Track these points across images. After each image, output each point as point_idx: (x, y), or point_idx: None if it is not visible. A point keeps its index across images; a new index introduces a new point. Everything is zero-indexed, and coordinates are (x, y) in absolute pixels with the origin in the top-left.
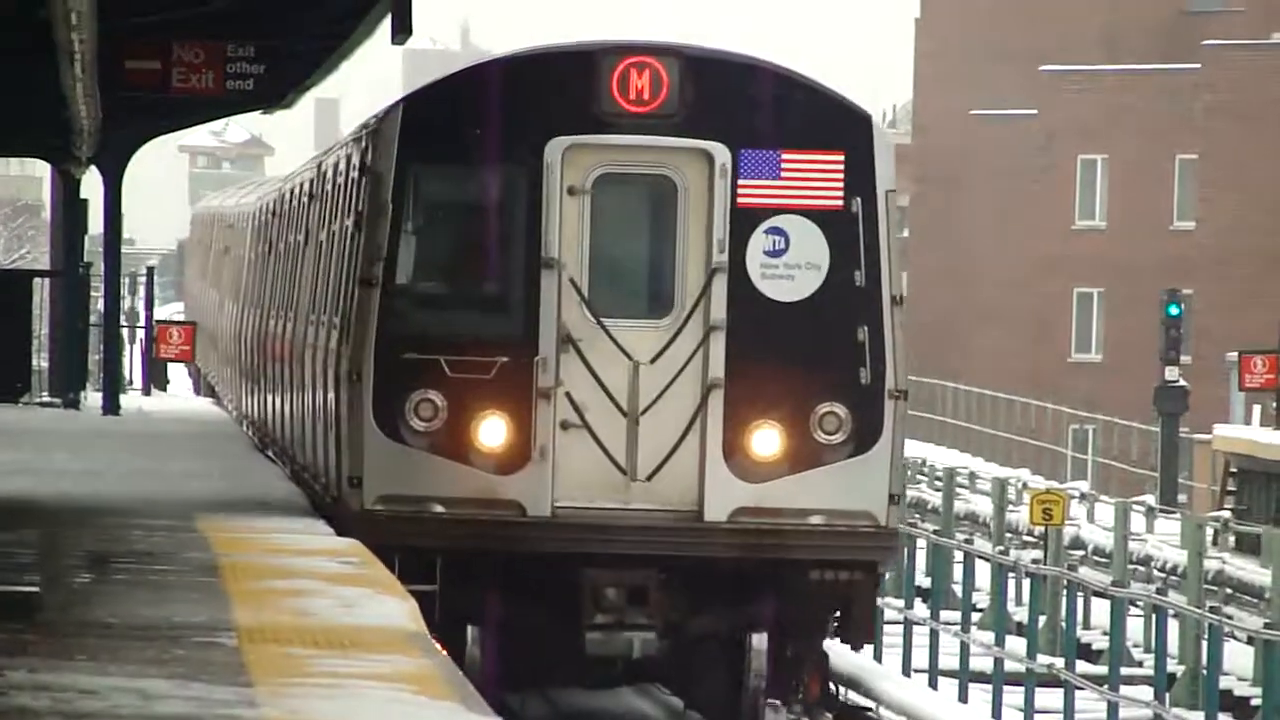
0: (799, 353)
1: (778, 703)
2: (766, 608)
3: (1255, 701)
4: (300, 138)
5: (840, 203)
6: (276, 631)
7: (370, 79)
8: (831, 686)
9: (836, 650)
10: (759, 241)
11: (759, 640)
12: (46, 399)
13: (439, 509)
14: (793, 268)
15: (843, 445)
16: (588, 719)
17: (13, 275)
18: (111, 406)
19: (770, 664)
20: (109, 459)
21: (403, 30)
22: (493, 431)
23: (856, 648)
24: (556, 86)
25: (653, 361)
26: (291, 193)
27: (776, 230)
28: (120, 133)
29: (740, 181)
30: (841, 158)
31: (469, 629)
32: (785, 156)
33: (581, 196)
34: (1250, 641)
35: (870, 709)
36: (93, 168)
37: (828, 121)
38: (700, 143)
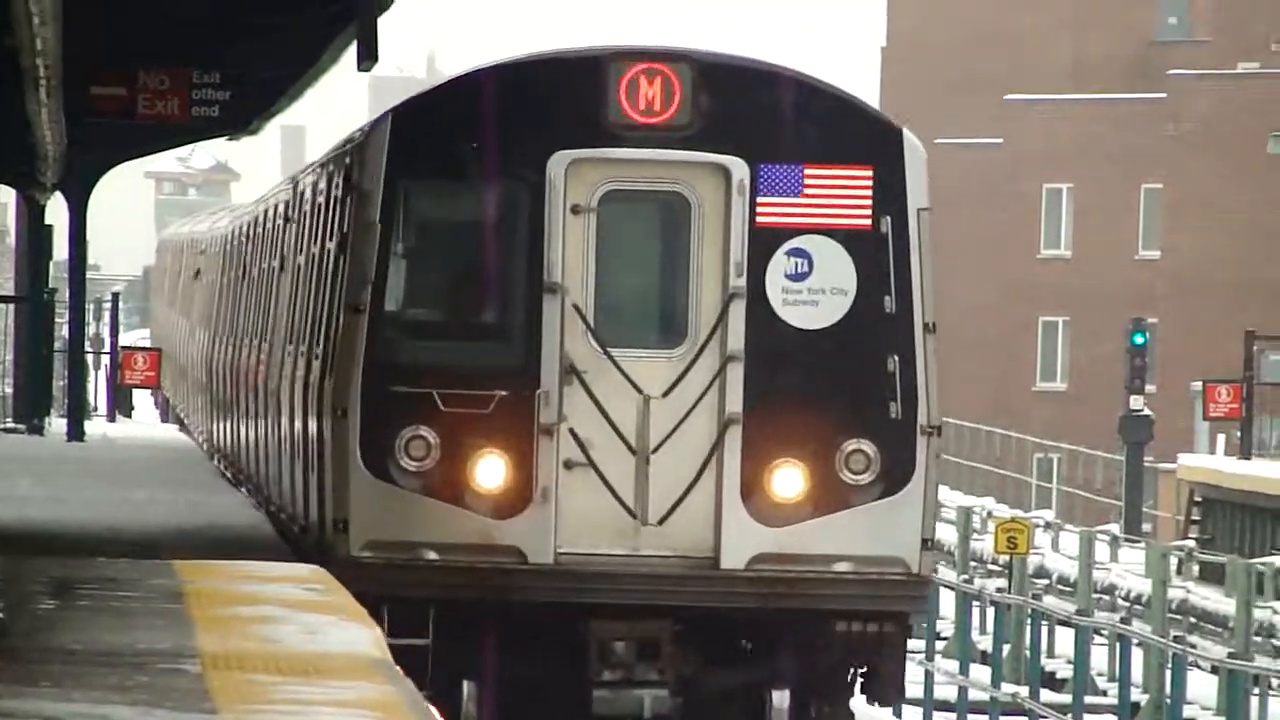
0: (824, 385)
1: None
2: (788, 663)
3: None
4: (267, 164)
5: (869, 222)
6: (241, 658)
7: (336, 106)
8: None
9: (863, 710)
10: (780, 264)
11: (780, 699)
12: (10, 425)
13: (432, 555)
14: (817, 292)
15: (871, 486)
16: None
17: None
18: (76, 433)
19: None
20: (73, 485)
21: (369, 57)
22: (490, 471)
23: (888, 705)
24: (559, 95)
25: (665, 395)
26: (266, 215)
27: (799, 252)
28: (86, 159)
29: (759, 199)
30: (870, 173)
31: (465, 685)
32: (808, 171)
33: (586, 215)
34: (1214, 671)
35: None
36: (58, 194)
37: (855, 134)
38: (716, 157)
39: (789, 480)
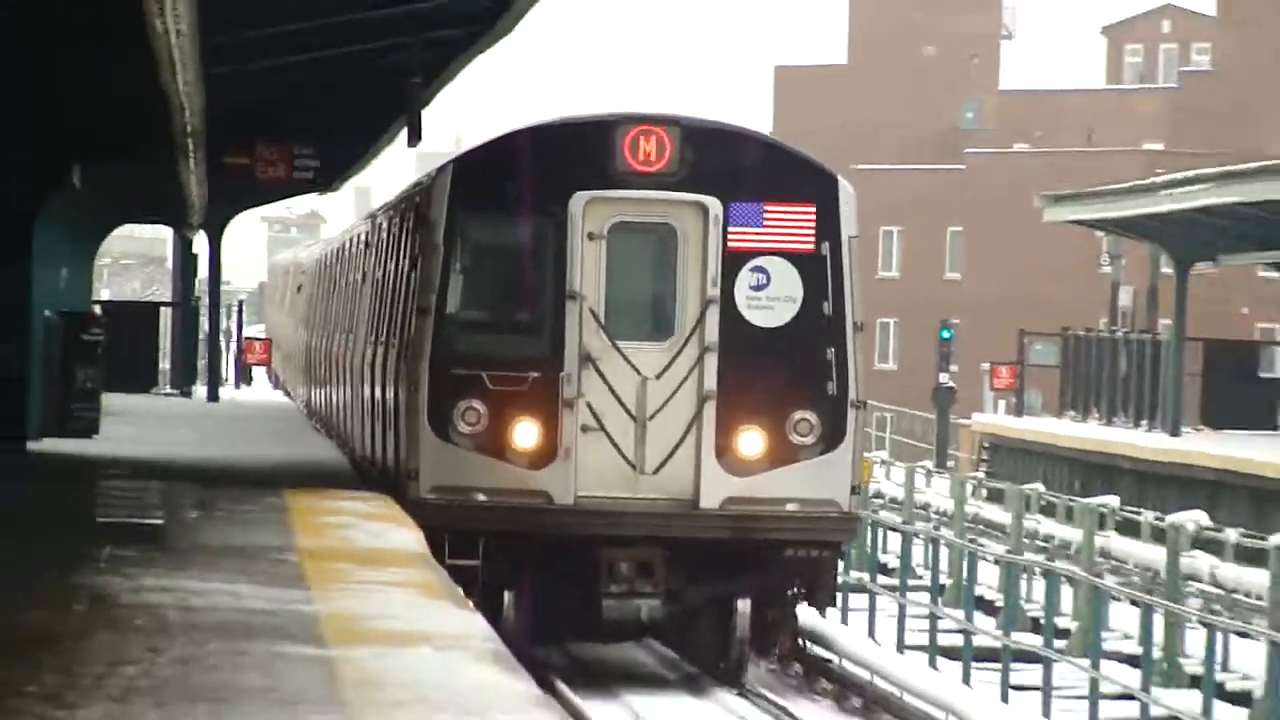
0: (777, 369)
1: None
2: (750, 579)
3: (999, 603)
4: (344, 212)
5: (812, 246)
6: (327, 552)
7: (391, 172)
8: (801, 642)
9: (805, 613)
10: (745, 278)
11: (743, 606)
12: (169, 391)
13: (481, 497)
14: (773, 299)
15: (814, 446)
16: (604, 670)
17: (147, 305)
18: (213, 396)
19: (752, 625)
20: (210, 432)
21: (415, 137)
22: (526, 434)
23: (822, 612)
24: (578, 149)
25: (658, 376)
26: (349, 243)
27: (759, 269)
28: (220, 207)
29: (730, 228)
30: (813, 209)
31: (505, 595)
32: (767, 208)
33: (599, 241)
34: (997, 562)
35: (830, 660)
36: (201, 231)
37: (802, 180)
38: (697, 196)
39: (751, 441)
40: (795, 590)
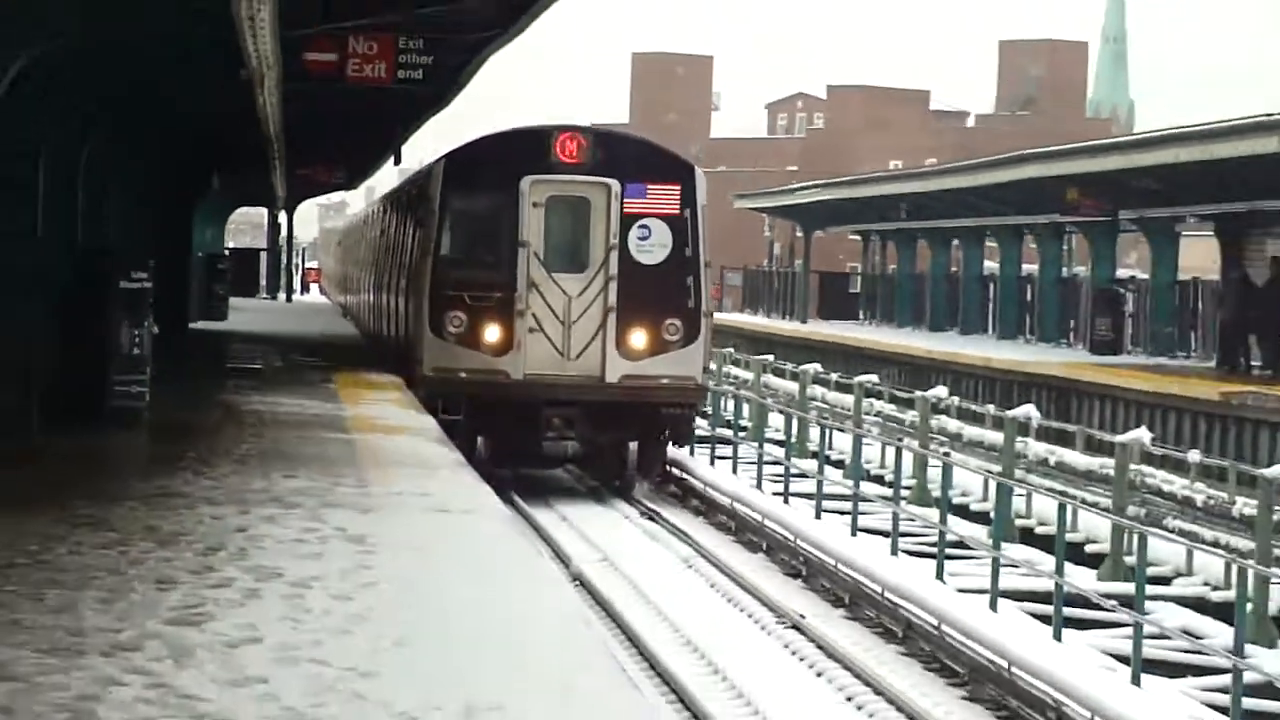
0: (656, 292)
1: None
2: (637, 429)
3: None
4: (358, 200)
5: (678, 211)
6: (353, 385)
7: (383, 176)
8: (669, 469)
9: (672, 450)
10: (635, 232)
11: (633, 445)
12: (264, 296)
13: (464, 374)
14: (653, 246)
15: (679, 341)
16: (544, 484)
17: (253, 250)
18: (287, 299)
19: (637, 457)
20: (286, 317)
21: (397, 160)
22: (492, 333)
23: (680, 447)
24: (526, 148)
25: (579, 295)
26: (373, 213)
27: (644, 226)
28: (293, 197)
29: (626, 199)
30: (678, 188)
31: (479, 439)
32: (649, 186)
33: (540, 208)
34: (746, 404)
35: (686, 479)
36: (282, 210)
37: (671, 167)
38: (604, 179)
39: (639, 338)
40: (665, 434)
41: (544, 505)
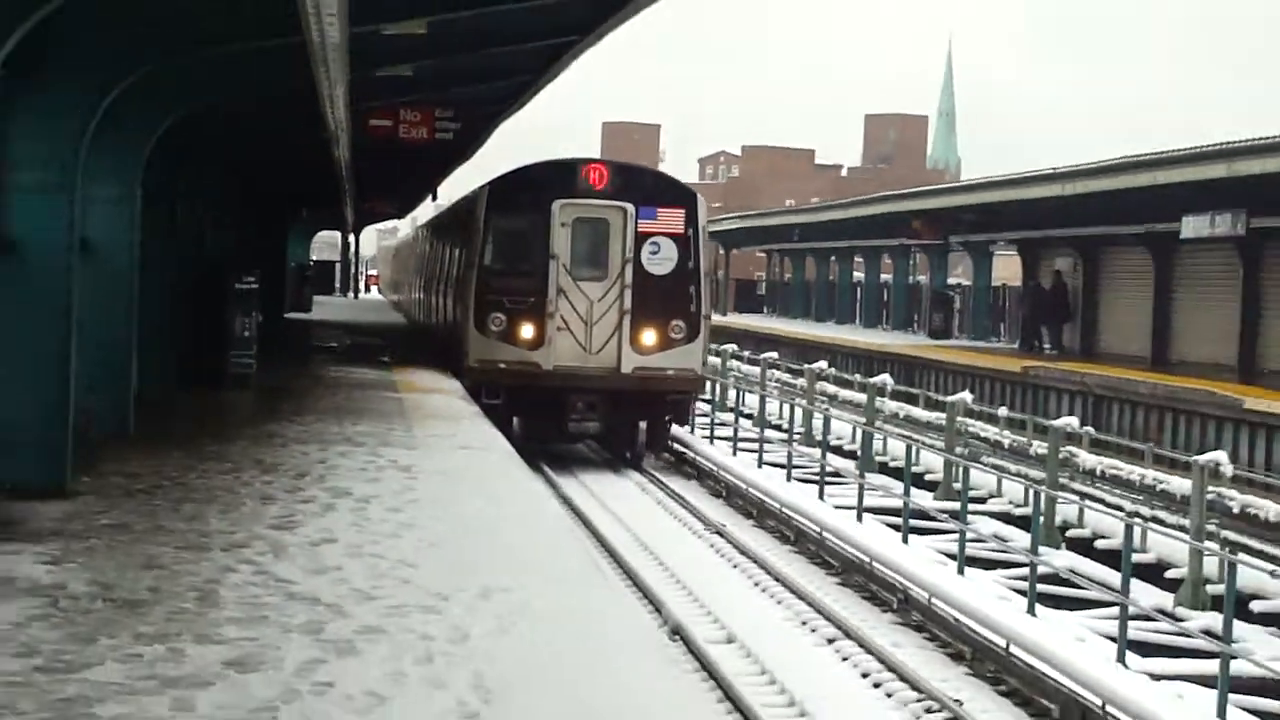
0: (663, 297)
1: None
2: (646, 411)
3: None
4: (406, 225)
5: (683, 231)
6: (402, 362)
7: (424, 210)
8: (671, 444)
9: (675, 429)
10: (647, 247)
11: (642, 425)
12: (338, 294)
13: (503, 365)
14: (661, 259)
15: (682, 339)
16: (570, 456)
17: (330, 262)
18: (355, 296)
19: (646, 435)
20: (353, 309)
21: (434, 197)
22: (527, 330)
23: (682, 426)
24: (559, 176)
25: (600, 300)
26: (421, 231)
27: (655, 243)
28: (360, 223)
29: (639, 221)
30: (683, 211)
31: (515, 419)
32: (659, 210)
33: (568, 227)
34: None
35: (686, 454)
36: (351, 233)
37: (677, 194)
38: (621, 203)
39: (649, 337)
40: (669, 417)
41: (568, 473)
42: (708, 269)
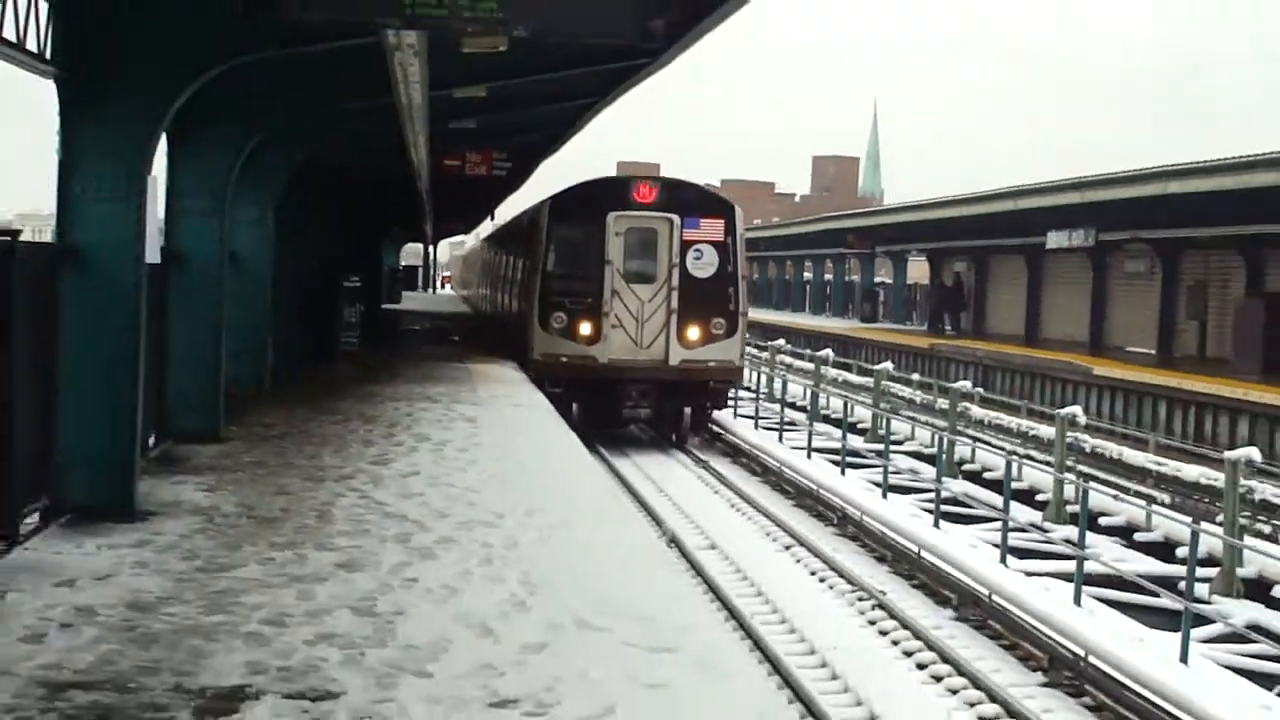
0: (706, 298)
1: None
2: (690, 398)
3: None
4: (471, 239)
5: (723, 238)
6: (475, 359)
7: (484, 228)
8: (711, 427)
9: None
10: (691, 254)
11: (687, 410)
12: (421, 290)
13: (564, 359)
14: (704, 264)
15: (722, 335)
16: (624, 438)
17: (414, 266)
18: (433, 292)
19: (690, 419)
20: (432, 302)
21: (492, 217)
22: (586, 328)
23: (721, 410)
24: (612, 191)
25: (650, 301)
26: (482, 243)
27: (698, 250)
28: (436, 238)
29: (684, 230)
30: (723, 221)
31: (574, 405)
32: (702, 220)
33: (621, 236)
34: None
35: (723, 435)
36: (430, 244)
37: (718, 206)
38: (668, 215)
39: (693, 332)
40: (710, 404)
41: (620, 454)
42: (744, 272)
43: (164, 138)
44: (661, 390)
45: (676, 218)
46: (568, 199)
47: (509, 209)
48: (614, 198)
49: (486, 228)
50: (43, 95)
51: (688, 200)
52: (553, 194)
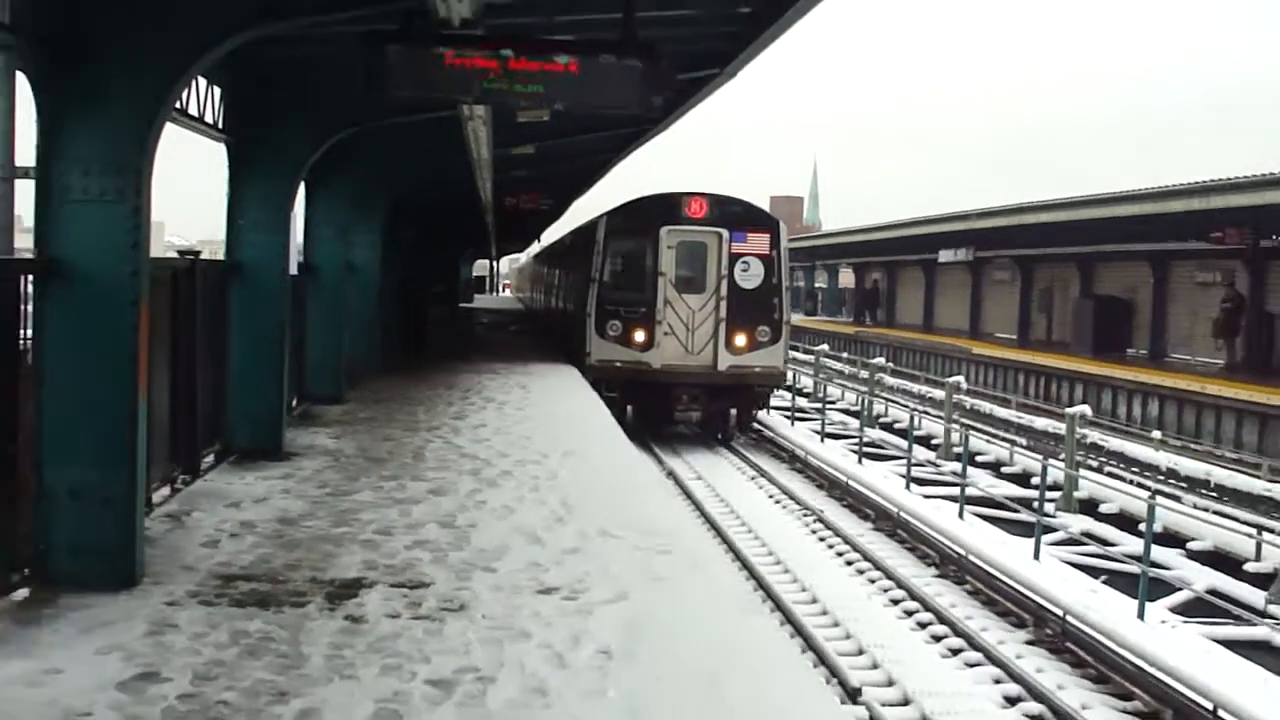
0: (752, 307)
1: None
2: (737, 400)
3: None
4: (525, 256)
5: (768, 251)
6: (528, 344)
7: (533, 248)
8: (756, 425)
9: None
10: (738, 266)
11: (733, 412)
12: (487, 293)
13: (619, 363)
14: (750, 275)
15: (768, 342)
16: (674, 436)
17: (483, 275)
18: (496, 295)
19: (736, 420)
20: (496, 302)
21: (537, 240)
22: (639, 335)
23: (764, 410)
24: (666, 206)
25: (700, 310)
26: (532, 258)
27: (745, 262)
28: (499, 255)
29: (732, 244)
30: (769, 235)
31: (629, 407)
32: (748, 234)
33: (673, 249)
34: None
35: (761, 431)
36: (495, 259)
37: (763, 221)
38: (717, 229)
39: (740, 339)
40: (754, 406)
41: (672, 452)
42: (787, 283)
43: (302, 185)
44: (710, 394)
45: (725, 231)
46: (622, 214)
47: (551, 234)
48: (667, 212)
49: (534, 248)
50: (215, 152)
51: (735, 215)
52: (608, 210)
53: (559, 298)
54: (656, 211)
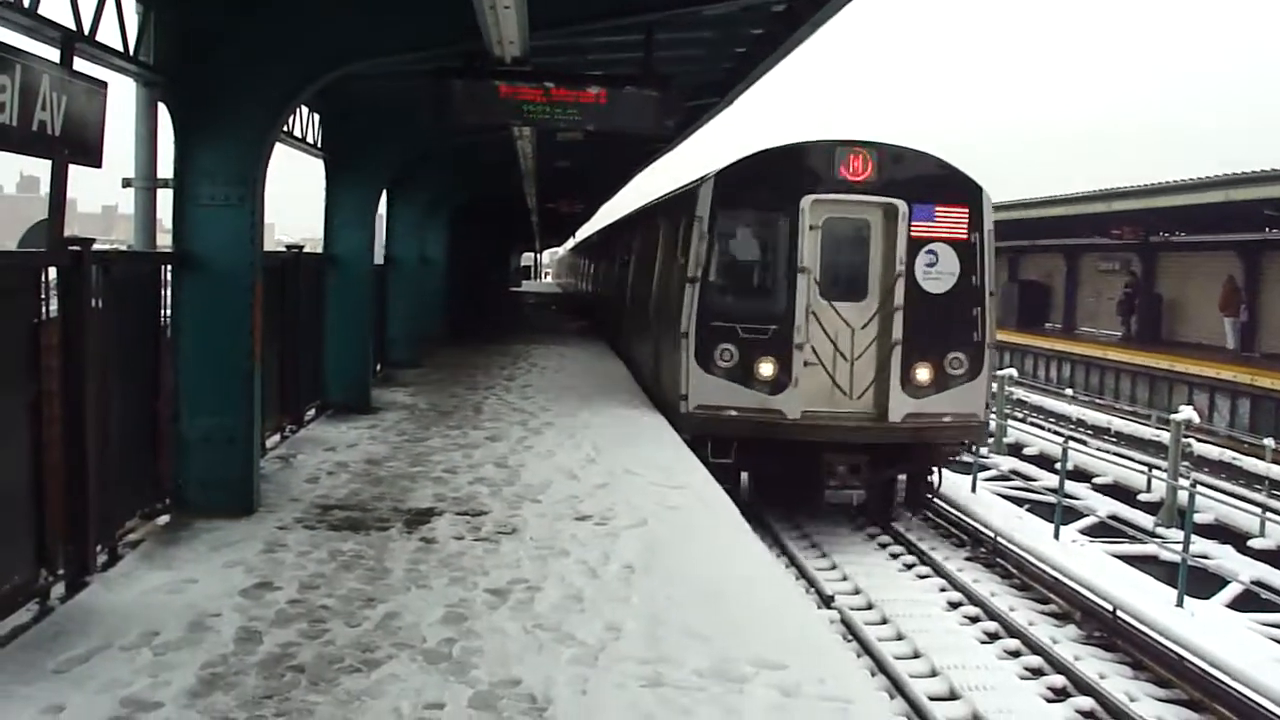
0: (941, 323)
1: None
2: (910, 464)
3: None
4: (562, 250)
5: (966, 235)
6: (564, 318)
7: (570, 242)
8: (930, 497)
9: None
10: (922, 258)
11: (901, 479)
12: (533, 280)
13: (734, 413)
14: (940, 273)
15: (963, 376)
16: (812, 516)
17: (529, 265)
18: (539, 281)
19: (907, 491)
20: (539, 287)
21: (574, 235)
22: (766, 368)
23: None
24: (807, 165)
25: (861, 328)
26: (570, 250)
27: (931, 251)
28: (541, 249)
29: (913, 222)
30: (967, 210)
31: (743, 475)
32: (937, 208)
33: (819, 230)
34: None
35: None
36: (538, 252)
37: (959, 188)
38: (891, 199)
39: (923, 374)
40: (936, 467)
41: (808, 544)
42: (993, 286)
43: (385, 193)
44: (877, 458)
45: (902, 204)
46: (738, 176)
47: (584, 230)
48: (809, 174)
49: (569, 241)
50: (314, 166)
51: (918, 179)
52: (717, 169)
53: (590, 281)
54: (791, 172)
